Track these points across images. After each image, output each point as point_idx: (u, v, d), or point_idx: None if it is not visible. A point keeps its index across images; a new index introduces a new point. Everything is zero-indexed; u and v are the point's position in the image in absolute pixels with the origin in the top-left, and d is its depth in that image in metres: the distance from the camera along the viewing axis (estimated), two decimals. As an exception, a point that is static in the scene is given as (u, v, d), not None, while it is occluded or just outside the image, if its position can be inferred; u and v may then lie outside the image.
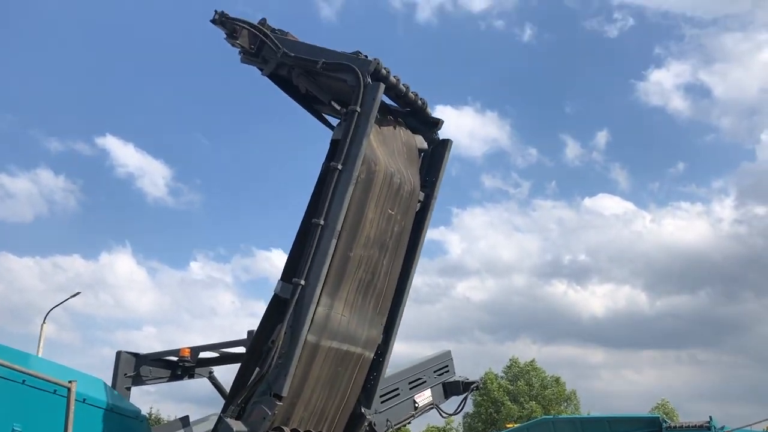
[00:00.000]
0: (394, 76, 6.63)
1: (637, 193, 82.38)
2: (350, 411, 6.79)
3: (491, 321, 72.51)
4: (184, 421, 7.64)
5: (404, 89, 6.87)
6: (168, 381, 8.33)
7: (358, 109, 6.17)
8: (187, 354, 7.97)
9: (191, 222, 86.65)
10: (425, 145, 7.46)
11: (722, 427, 17.05)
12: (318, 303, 5.92)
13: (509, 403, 42.61)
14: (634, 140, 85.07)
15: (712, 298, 71.87)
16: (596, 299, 72.03)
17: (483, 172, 78.04)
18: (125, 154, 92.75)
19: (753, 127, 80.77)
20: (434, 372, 9.47)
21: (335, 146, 6.27)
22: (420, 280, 72.14)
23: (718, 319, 69.40)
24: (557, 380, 44.55)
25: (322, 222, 5.92)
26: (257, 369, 5.82)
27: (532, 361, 45.85)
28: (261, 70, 6.99)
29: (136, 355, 8.03)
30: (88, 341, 73.60)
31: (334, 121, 7.06)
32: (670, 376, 66.71)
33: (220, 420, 5.87)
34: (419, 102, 7.15)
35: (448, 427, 50.74)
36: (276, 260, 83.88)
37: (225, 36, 7.00)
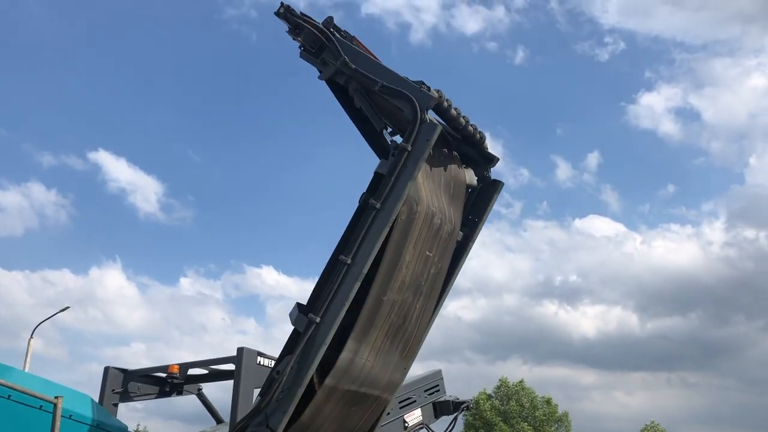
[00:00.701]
0: (455, 108, 6.32)
1: (627, 214, 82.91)
2: None
3: (482, 341, 72.28)
4: (172, 438, 7.56)
5: (464, 122, 6.50)
6: (156, 398, 8.26)
7: (409, 148, 5.79)
8: (176, 370, 7.91)
9: (182, 238, 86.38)
10: (474, 182, 7.08)
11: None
12: (344, 348, 5.72)
13: (502, 424, 42.33)
14: (625, 162, 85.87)
15: (703, 320, 72.02)
16: (587, 320, 72.00)
17: (475, 191, 78.06)
18: (117, 170, 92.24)
19: (742, 151, 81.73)
20: (424, 391, 9.43)
21: (378, 180, 5.92)
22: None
23: (708, 342, 69.49)
24: (548, 401, 44.33)
25: (348, 261, 5.64)
26: (259, 397, 5.70)
27: (521, 381, 45.65)
28: (320, 71, 6.55)
29: (124, 371, 7.98)
30: (76, 357, 72.83)
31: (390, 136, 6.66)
32: (661, 398, 66.56)
33: None
34: (477, 136, 6.78)
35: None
36: (266, 277, 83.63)
37: (287, 30, 6.70)
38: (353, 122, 6.79)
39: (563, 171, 79.56)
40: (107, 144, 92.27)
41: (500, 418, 42.82)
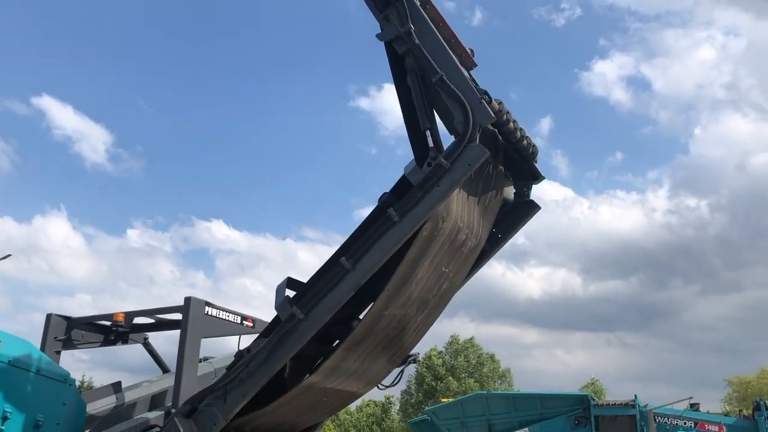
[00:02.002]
0: (513, 121, 5.76)
1: (576, 180, 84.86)
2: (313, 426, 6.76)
3: (432, 299, 73.63)
4: (116, 386, 7.51)
5: (519, 136, 5.92)
6: (101, 346, 8.17)
7: (448, 166, 5.07)
8: (121, 319, 7.81)
9: (130, 189, 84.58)
10: (511, 197, 6.60)
11: (645, 406, 17.92)
12: (331, 356, 5.55)
13: (450, 378, 43.60)
14: (576, 128, 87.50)
15: (644, 284, 74.98)
16: (533, 281, 74.11)
17: (430, 152, 78.27)
18: (63, 116, 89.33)
19: (688, 121, 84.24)
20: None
21: (405, 188, 5.32)
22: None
23: (647, 305, 72.55)
24: (492, 357, 45.76)
25: (348, 266, 5.23)
26: (225, 370, 5.60)
27: (472, 338, 46.95)
28: (381, 29, 5.53)
29: (67, 318, 7.84)
30: (19, 306, 71.38)
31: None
32: (600, 357, 69.47)
33: (170, 418, 5.74)
34: (531, 150, 6.21)
35: (387, 402, 51.59)
36: (216, 231, 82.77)
37: None
38: (398, 98, 5.80)
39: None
40: (52, 89, 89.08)
41: (449, 373, 44.08)
